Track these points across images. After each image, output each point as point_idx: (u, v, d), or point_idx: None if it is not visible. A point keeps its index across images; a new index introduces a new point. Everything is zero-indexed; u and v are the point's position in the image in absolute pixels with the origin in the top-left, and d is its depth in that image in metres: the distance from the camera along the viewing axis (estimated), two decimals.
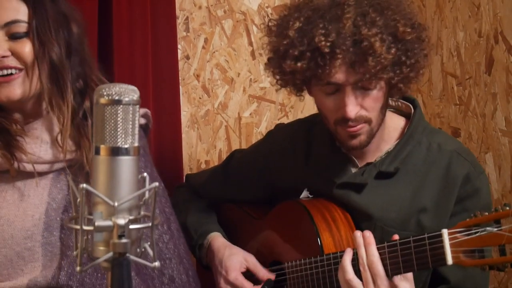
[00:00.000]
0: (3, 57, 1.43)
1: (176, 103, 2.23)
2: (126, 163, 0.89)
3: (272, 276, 1.70)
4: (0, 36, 1.44)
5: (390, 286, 1.41)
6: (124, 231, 0.86)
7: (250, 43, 2.38)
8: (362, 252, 1.44)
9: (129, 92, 0.90)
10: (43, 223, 1.45)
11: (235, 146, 2.35)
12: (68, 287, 1.41)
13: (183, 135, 2.28)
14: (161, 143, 2.20)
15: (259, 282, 1.70)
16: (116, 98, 0.88)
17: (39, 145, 1.48)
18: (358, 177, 1.62)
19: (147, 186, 0.91)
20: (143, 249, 0.92)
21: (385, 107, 1.58)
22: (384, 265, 1.42)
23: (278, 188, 1.80)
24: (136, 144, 0.90)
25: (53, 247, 1.45)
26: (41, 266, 1.44)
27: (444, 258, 1.34)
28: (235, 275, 1.72)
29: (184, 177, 2.08)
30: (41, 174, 1.48)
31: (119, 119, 0.88)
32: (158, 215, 1.54)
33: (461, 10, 2.21)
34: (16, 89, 1.45)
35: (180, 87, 2.27)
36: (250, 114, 2.39)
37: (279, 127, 1.93)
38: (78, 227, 0.87)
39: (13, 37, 1.45)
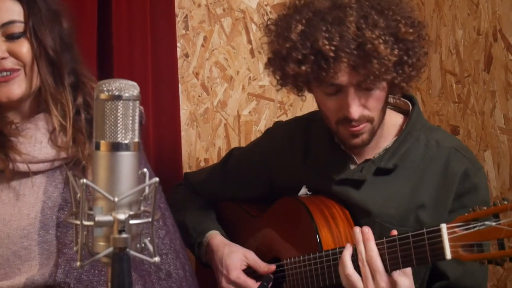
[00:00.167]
0: (2, 58, 1.43)
1: (175, 101, 2.23)
2: (126, 159, 0.90)
3: (273, 267, 1.70)
4: None
5: (389, 281, 1.41)
6: (124, 226, 0.86)
7: (249, 41, 2.38)
8: (361, 247, 1.44)
9: (129, 88, 0.90)
10: (39, 221, 1.45)
11: (234, 144, 2.35)
12: (66, 285, 1.41)
13: (182, 133, 2.28)
14: (160, 141, 2.19)
15: (261, 277, 1.70)
16: (116, 93, 0.89)
17: (33, 144, 1.47)
18: (356, 174, 1.62)
19: (147, 182, 0.91)
20: (143, 245, 0.92)
21: (386, 105, 1.59)
22: (383, 261, 1.42)
23: (277, 185, 1.80)
24: (136, 140, 0.91)
25: (50, 245, 1.45)
26: (38, 265, 1.44)
27: (443, 253, 1.35)
28: (237, 273, 1.72)
29: (183, 175, 2.09)
30: (36, 173, 1.48)
31: (119, 114, 0.89)
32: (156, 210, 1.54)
33: (460, 8, 2.21)
34: (16, 89, 1.46)
35: (179, 85, 2.27)
36: (249, 112, 2.39)
37: (278, 124, 1.93)
38: (78, 222, 0.87)
39: (10, 37, 1.44)
